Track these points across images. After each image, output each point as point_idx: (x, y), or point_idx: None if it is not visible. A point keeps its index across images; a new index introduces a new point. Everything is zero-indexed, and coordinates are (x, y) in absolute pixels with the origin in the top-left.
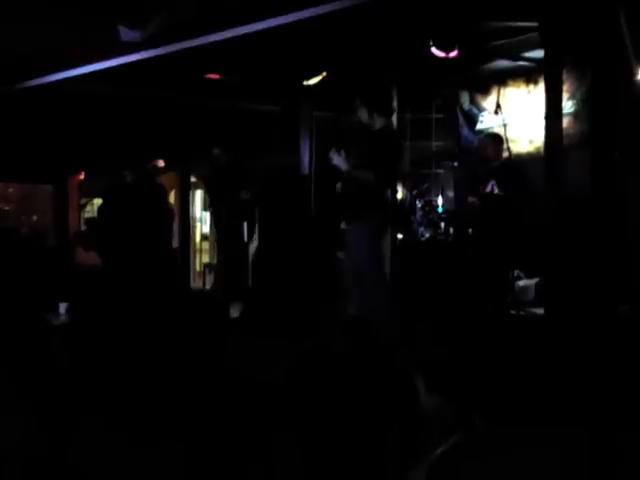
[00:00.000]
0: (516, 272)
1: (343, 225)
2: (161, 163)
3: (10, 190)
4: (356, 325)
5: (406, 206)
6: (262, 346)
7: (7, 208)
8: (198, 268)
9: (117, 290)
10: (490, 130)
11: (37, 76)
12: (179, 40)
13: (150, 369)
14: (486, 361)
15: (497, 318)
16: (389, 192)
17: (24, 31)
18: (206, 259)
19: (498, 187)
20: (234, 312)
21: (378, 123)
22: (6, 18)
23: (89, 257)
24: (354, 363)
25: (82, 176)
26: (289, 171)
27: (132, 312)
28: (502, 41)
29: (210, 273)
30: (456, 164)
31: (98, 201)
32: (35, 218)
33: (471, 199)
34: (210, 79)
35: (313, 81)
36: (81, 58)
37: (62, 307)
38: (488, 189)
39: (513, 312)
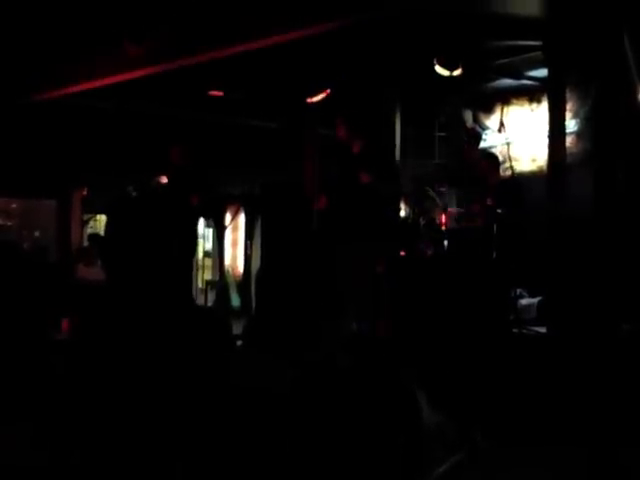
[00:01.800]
0: (518, 290)
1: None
2: (164, 179)
3: (13, 205)
4: (358, 341)
5: (409, 224)
6: (265, 360)
7: (10, 223)
8: (200, 285)
9: (122, 306)
10: (493, 148)
11: (41, 90)
12: (181, 56)
13: (153, 384)
14: (488, 379)
15: (499, 336)
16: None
17: (27, 45)
18: (208, 276)
19: (496, 204)
20: (237, 328)
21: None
22: (10, 32)
23: (90, 273)
24: (355, 377)
25: (85, 191)
26: (293, 189)
27: (136, 328)
28: (506, 60)
29: (212, 290)
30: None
31: (102, 217)
32: (37, 233)
33: (469, 213)
34: (213, 96)
35: (317, 98)
36: (86, 73)
37: (64, 323)
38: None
39: (515, 330)
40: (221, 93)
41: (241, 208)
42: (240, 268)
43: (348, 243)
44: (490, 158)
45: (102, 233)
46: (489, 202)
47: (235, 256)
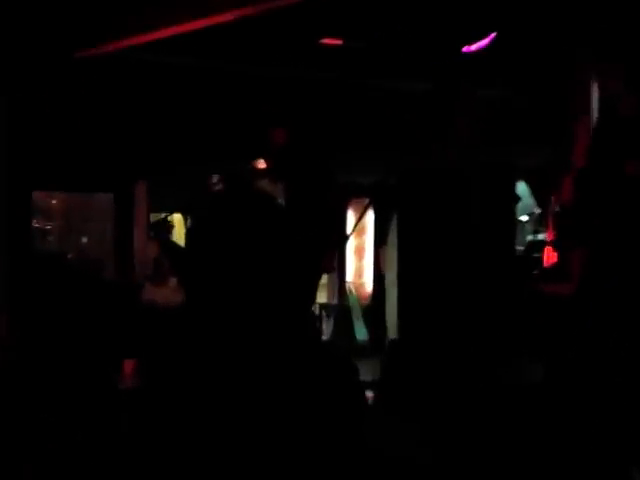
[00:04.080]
0: None
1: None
2: (262, 164)
3: (54, 202)
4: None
5: None
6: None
7: (49, 226)
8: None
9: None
10: None
11: (97, 44)
12: None
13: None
14: None
15: None
16: None
17: None
18: (322, 298)
19: None
20: (364, 372)
21: None
22: None
23: (162, 294)
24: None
25: (152, 183)
26: (441, 172)
27: (229, 374)
28: None
29: (329, 318)
30: None
31: (178, 217)
32: (85, 240)
33: None
34: (327, 45)
35: (475, 47)
36: (155, 19)
37: (129, 365)
38: None
39: None
40: (339, 41)
41: (370, 204)
42: (367, 286)
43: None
44: None
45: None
46: None
47: (360, 270)
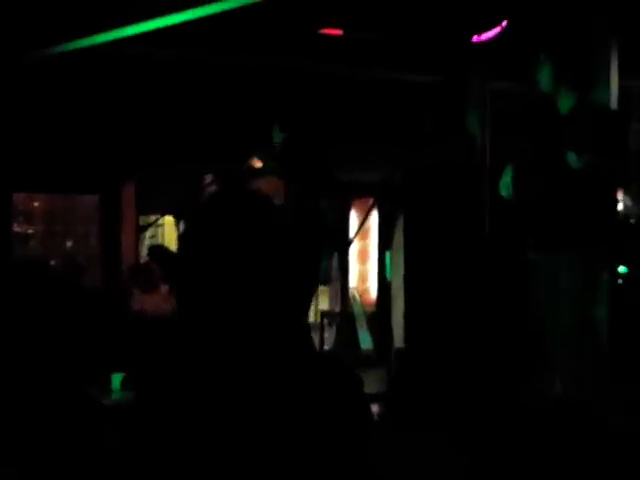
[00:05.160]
0: None
1: (532, 255)
2: (258, 163)
3: (35, 204)
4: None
5: (631, 224)
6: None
7: (31, 231)
8: (313, 318)
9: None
10: None
11: (80, 37)
12: None
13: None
14: None
15: None
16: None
17: None
18: (324, 305)
19: None
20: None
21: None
22: None
23: (151, 302)
24: None
25: (140, 183)
26: (453, 174)
27: (225, 387)
28: None
29: (331, 326)
30: None
31: (169, 220)
32: (70, 244)
33: None
34: (328, 36)
35: (488, 35)
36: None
37: (116, 380)
38: None
39: None
40: (339, 31)
41: (374, 204)
42: (372, 293)
43: (553, 252)
44: None
45: (168, 244)
46: None
47: (364, 275)
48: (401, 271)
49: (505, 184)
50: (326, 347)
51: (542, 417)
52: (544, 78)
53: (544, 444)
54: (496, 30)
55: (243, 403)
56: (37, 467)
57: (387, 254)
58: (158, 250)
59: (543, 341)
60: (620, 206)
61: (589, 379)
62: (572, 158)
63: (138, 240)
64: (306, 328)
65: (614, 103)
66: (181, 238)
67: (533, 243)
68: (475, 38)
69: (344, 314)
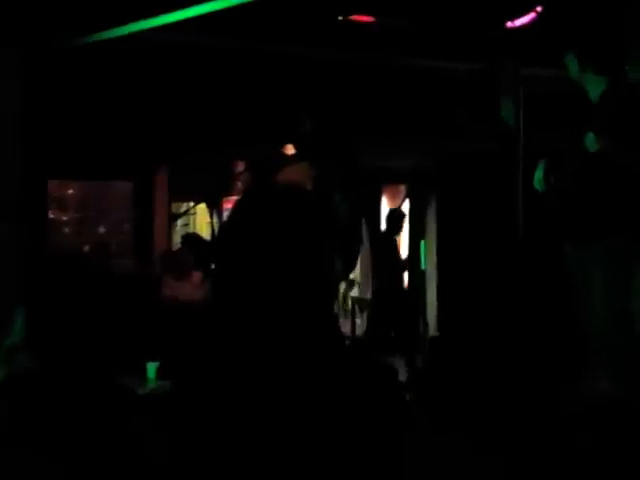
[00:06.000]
0: None
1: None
2: (291, 150)
3: (70, 192)
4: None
5: None
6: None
7: (65, 218)
8: (342, 305)
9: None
10: None
11: (114, 25)
12: None
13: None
14: None
15: None
16: None
17: None
18: (355, 292)
19: None
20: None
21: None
22: None
23: (183, 290)
24: None
25: (173, 170)
26: (484, 157)
27: (260, 376)
28: None
29: (362, 313)
30: None
31: (202, 208)
32: (102, 230)
33: None
34: (358, 22)
35: (520, 22)
36: None
37: (151, 369)
38: None
39: None
40: (371, 18)
41: (405, 192)
42: (403, 280)
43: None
44: None
45: (199, 232)
46: None
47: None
48: (434, 259)
49: (538, 179)
50: (357, 334)
51: (586, 418)
52: (572, 65)
53: (589, 446)
54: (531, 16)
55: (278, 394)
56: (81, 463)
57: (422, 243)
58: (192, 238)
59: (585, 337)
60: None
61: (632, 376)
62: (590, 140)
63: (170, 227)
64: (334, 316)
65: None
66: (220, 231)
67: (567, 234)
68: (509, 24)
69: (375, 301)
